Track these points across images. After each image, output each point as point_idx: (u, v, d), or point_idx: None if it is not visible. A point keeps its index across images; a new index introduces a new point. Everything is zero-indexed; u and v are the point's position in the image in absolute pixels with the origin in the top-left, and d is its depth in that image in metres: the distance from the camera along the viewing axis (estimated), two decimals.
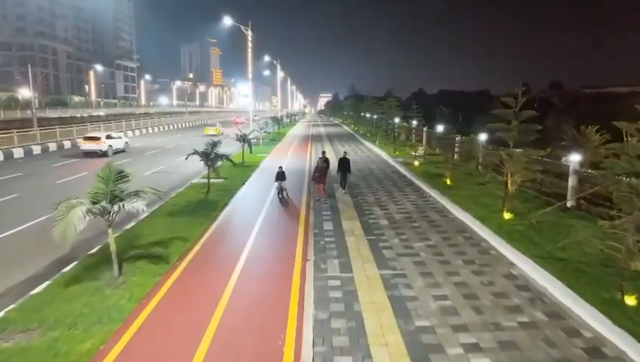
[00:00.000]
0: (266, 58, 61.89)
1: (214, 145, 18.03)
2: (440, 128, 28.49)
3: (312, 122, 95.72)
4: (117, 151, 31.50)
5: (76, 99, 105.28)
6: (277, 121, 54.30)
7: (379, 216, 13.73)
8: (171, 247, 11.15)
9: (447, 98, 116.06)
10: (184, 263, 10.15)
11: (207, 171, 18.34)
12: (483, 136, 21.21)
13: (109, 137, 31.51)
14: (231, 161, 18.70)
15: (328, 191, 16.86)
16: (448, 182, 18.14)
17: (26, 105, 78.89)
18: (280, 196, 16.05)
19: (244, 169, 24.07)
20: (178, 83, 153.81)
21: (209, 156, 17.91)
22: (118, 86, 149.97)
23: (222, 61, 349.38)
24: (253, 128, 30.71)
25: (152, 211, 14.86)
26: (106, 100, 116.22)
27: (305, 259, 10.19)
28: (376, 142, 36.10)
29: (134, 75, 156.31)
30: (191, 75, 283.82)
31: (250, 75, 32.95)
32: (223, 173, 21.61)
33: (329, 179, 17.31)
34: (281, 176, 16.08)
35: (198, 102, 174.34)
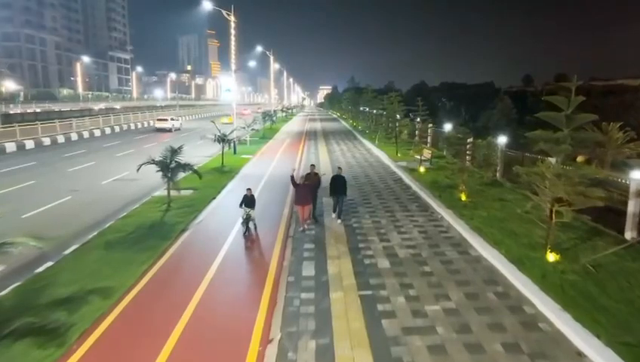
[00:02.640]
0: (259, 48, 58.05)
1: (174, 152, 14.61)
2: (448, 127, 25.12)
3: (310, 116, 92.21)
4: (176, 129, 45.17)
5: (65, 92, 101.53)
6: (269, 116, 50.61)
7: (377, 253, 10.38)
8: (82, 309, 7.84)
9: (449, 91, 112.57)
10: (86, 344, 6.81)
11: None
12: (503, 139, 17.80)
13: (172, 119, 46.68)
14: (197, 173, 15.29)
15: (318, 212, 13.39)
16: (463, 197, 14.78)
17: (10, 98, 75.40)
18: (246, 231, 11.79)
19: (221, 175, 20.70)
20: (173, 75, 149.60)
21: (168, 166, 14.54)
22: (111, 78, 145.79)
23: (220, 53, 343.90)
24: (235, 126, 27.14)
25: (86, 241, 11.58)
26: (97, 93, 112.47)
27: (265, 340, 6.86)
28: (376, 142, 32.67)
29: (128, 66, 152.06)
30: (189, 68, 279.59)
31: (233, 67, 29.47)
32: (194, 182, 18.37)
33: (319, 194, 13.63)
34: (249, 201, 11.85)
35: (193, 95, 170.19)
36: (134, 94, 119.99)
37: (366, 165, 23.48)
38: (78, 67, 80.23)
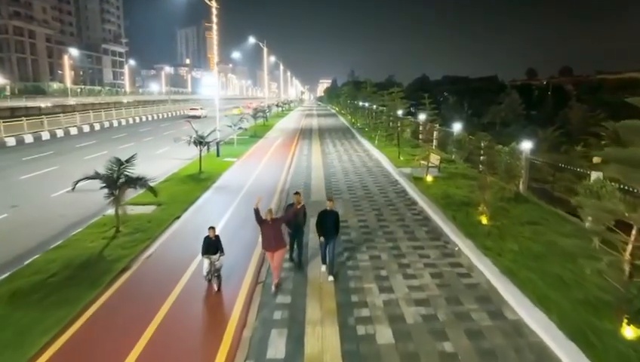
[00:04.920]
0: (252, 40, 54.69)
1: (121, 164, 11.66)
2: (457, 126, 22.16)
3: (307, 111, 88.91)
4: (204, 116, 52.55)
5: (55, 86, 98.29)
6: (261, 112, 47.38)
7: (375, 313, 7.48)
8: None
9: (452, 85, 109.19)
10: None
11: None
12: (527, 145, 14.84)
13: (201, 108, 57.95)
14: (151, 190, 12.32)
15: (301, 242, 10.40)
16: (484, 220, 11.85)
17: None
18: (218, 288, 8.38)
19: (195, 185, 17.74)
20: (168, 68, 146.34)
21: (116, 181, 11.60)
22: (105, 72, 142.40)
23: (219, 46, 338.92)
24: (216, 126, 23.98)
25: None
26: (89, 87, 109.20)
27: None
28: (375, 142, 29.62)
29: (123, 60, 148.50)
30: (188, 61, 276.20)
31: (216, 59, 26.46)
32: (163, 193, 15.56)
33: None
34: (212, 245, 8.40)
35: (190, 89, 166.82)
36: (127, 88, 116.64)
37: (364, 171, 20.49)
38: (66, 60, 76.76)
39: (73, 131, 36.57)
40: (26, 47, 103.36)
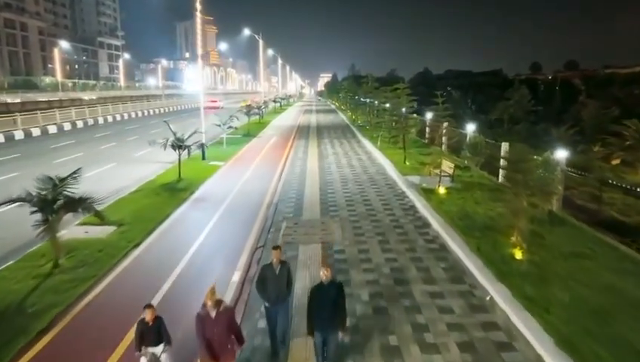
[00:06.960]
0: (247, 32, 52.04)
1: (55, 184, 9.20)
2: (471, 128, 19.65)
3: (306, 107, 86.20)
4: (222, 108, 57.73)
5: (47, 80, 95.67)
6: (257, 108, 44.75)
7: None
8: None
9: (455, 79, 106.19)
10: None
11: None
12: (562, 154, 12.33)
13: (219, 101, 66.66)
14: (99, 215, 9.86)
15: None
16: (517, 254, 9.38)
17: None
18: None
19: (170, 196, 15.31)
20: (164, 62, 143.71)
21: (52, 205, 9.16)
22: (101, 66, 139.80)
23: (219, 40, 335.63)
24: (197, 128, 21.20)
25: None
26: (83, 81, 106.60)
27: None
28: (378, 143, 27.05)
29: (119, 53, 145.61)
30: (187, 55, 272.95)
31: (199, 51, 23.92)
32: (128, 208, 13.32)
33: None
34: (148, 333, 5.26)
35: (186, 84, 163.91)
36: (122, 82, 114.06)
37: (365, 180, 17.96)
38: (57, 53, 74.09)
39: (52, 130, 33.97)
40: (17, 40, 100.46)
